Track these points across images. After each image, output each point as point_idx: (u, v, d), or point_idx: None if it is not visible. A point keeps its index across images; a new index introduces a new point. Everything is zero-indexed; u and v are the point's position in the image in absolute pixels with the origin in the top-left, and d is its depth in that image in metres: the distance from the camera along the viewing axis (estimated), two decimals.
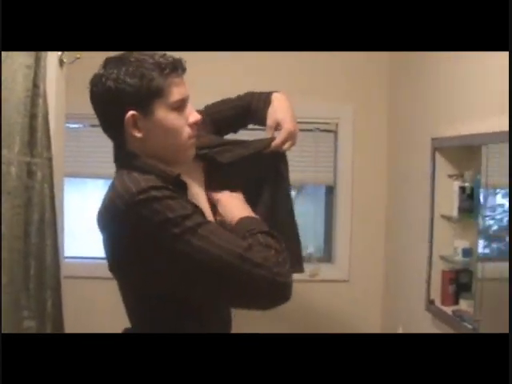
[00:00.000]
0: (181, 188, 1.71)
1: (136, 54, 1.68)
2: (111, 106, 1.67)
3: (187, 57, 1.76)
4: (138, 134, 1.69)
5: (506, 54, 2.17)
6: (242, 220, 1.79)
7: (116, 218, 1.64)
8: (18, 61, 2.33)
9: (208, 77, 3.52)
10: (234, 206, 1.88)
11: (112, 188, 1.69)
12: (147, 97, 1.65)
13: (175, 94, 1.68)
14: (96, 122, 1.77)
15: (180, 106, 1.70)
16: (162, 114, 1.68)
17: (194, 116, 1.74)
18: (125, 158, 1.75)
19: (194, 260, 1.58)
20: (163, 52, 1.71)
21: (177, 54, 1.73)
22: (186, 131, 1.73)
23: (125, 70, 1.64)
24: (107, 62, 1.69)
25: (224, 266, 1.58)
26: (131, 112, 1.65)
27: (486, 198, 2.45)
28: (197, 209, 1.66)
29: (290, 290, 1.66)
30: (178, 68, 1.69)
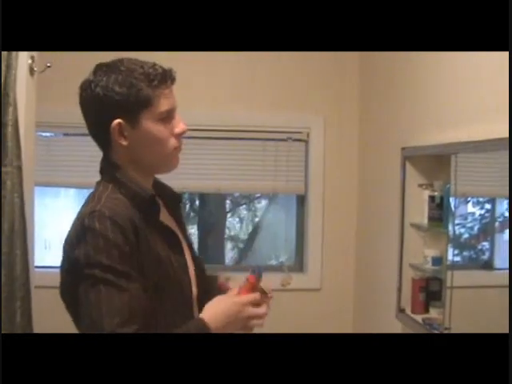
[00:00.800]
0: (154, 208, 1.72)
1: (126, 63, 1.68)
2: (99, 112, 1.68)
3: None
4: (124, 142, 1.68)
5: (475, 62, 2.21)
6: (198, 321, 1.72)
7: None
8: None
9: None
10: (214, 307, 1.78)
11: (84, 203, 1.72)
12: (134, 106, 1.65)
13: (162, 105, 1.68)
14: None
15: (167, 117, 1.70)
16: (149, 124, 1.67)
17: (180, 127, 1.73)
18: (108, 169, 1.75)
19: (79, 304, 1.60)
20: (153, 62, 1.70)
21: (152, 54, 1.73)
22: (172, 142, 1.73)
23: (114, 79, 1.64)
24: (97, 69, 1.68)
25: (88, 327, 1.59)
26: (117, 120, 1.65)
27: (456, 207, 2.48)
28: (130, 272, 1.61)
29: None
30: (167, 79, 1.69)
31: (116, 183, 1.70)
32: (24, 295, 2.62)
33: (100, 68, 1.68)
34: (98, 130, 1.72)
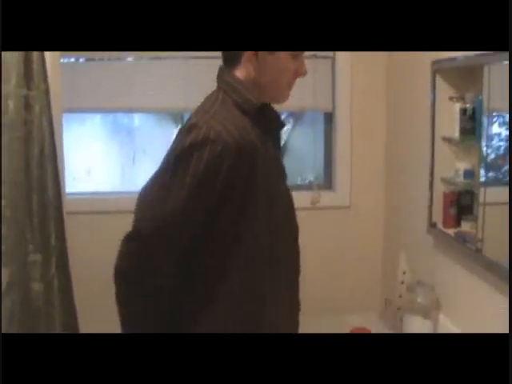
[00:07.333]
0: (262, 119, 1.80)
1: None
2: None
3: None
4: (255, 61, 1.78)
5: None
6: None
7: None
8: None
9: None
10: None
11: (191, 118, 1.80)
12: None
13: None
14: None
15: (298, 55, 1.81)
16: (283, 53, 1.78)
17: (304, 69, 1.85)
18: (223, 75, 1.84)
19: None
20: None
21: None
22: (290, 78, 1.84)
23: None
24: None
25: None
26: None
27: (488, 121, 2.45)
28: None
29: None
30: None
31: (231, 90, 1.79)
32: (58, 218, 2.65)
33: None
34: None
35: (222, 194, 1.68)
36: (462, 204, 2.84)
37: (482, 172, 2.49)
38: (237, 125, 1.69)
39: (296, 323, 2.02)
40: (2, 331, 2.53)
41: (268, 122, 1.87)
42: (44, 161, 2.52)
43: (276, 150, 1.93)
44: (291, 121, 4.09)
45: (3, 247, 2.41)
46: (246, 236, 1.74)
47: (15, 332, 2.60)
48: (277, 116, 1.95)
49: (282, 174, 1.93)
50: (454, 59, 2.68)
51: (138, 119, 3.93)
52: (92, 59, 3.46)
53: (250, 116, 1.76)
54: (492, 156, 2.50)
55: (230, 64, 1.82)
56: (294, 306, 2.01)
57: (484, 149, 2.46)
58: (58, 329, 2.84)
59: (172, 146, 1.75)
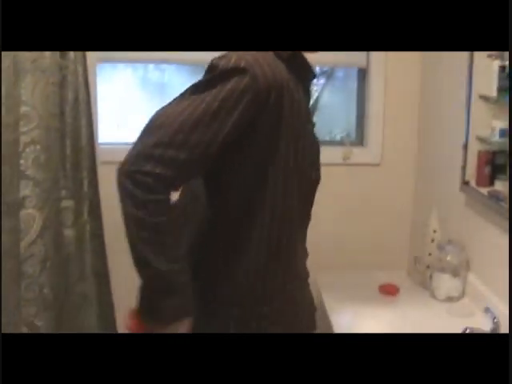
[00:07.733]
0: (294, 66, 1.78)
1: None
2: None
3: None
4: None
5: None
6: None
7: None
8: None
9: None
10: None
11: None
12: None
13: None
14: None
15: None
16: None
17: None
18: None
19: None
20: None
21: None
22: None
23: None
24: None
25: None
26: None
27: None
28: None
29: None
30: None
31: None
32: (91, 165, 2.67)
33: None
34: None
35: (244, 128, 1.65)
36: (496, 163, 2.81)
37: None
38: (272, 65, 1.66)
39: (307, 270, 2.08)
40: (36, 274, 2.58)
41: (300, 71, 1.85)
42: (78, 108, 2.54)
43: (306, 99, 1.92)
44: (323, 78, 4.05)
45: (37, 190, 2.44)
46: (271, 181, 1.73)
47: (49, 276, 2.64)
48: (308, 66, 1.92)
49: (310, 122, 1.91)
50: None
51: (169, 73, 3.91)
52: None
53: (283, 61, 1.74)
54: None
55: None
56: (305, 252, 2.05)
57: None
58: (88, 275, 2.89)
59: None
